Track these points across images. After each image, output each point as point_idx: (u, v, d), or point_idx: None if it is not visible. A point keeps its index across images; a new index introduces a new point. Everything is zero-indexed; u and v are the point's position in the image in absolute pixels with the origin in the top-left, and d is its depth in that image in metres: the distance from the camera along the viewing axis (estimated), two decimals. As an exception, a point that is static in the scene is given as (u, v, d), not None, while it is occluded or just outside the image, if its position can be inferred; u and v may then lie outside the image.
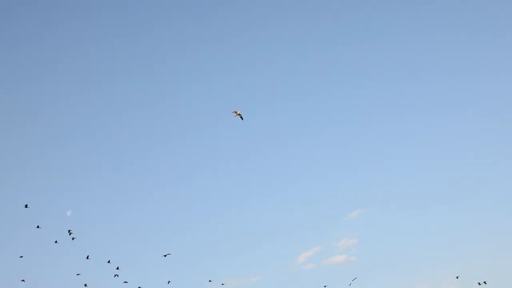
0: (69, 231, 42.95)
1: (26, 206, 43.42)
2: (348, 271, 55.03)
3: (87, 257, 43.42)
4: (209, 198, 62.67)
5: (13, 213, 59.58)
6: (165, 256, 43.25)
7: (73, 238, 43.18)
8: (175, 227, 59.37)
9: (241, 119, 35.86)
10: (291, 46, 76.38)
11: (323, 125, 70.84)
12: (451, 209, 58.41)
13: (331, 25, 76.68)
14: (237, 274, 54.66)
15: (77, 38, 76.09)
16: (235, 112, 35.82)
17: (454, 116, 68.90)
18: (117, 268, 42.91)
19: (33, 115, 71.87)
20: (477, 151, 64.02)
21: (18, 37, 75.39)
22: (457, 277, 45.96)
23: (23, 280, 45.42)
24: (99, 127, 71.59)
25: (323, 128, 70.33)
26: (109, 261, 43.48)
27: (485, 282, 43.79)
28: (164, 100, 75.23)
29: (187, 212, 61.42)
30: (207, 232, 58.38)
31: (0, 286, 51.28)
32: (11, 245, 56.23)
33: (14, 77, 73.78)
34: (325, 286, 46.81)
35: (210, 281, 45.96)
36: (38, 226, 43.98)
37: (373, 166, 64.07)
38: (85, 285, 43.53)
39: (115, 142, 70.52)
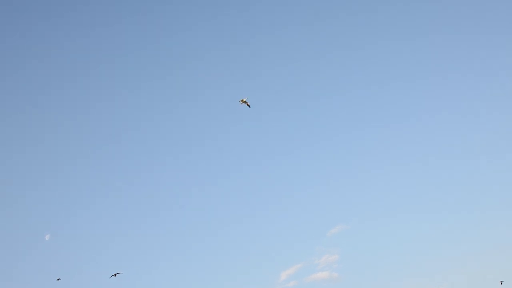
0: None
1: (58, 279, 41.86)
2: (331, 288, 55.19)
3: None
4: (185, 215, 62.10)
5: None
6: (115, 275, 39.23)
7: (58, 279, 41.25)
8: (148, 245, 58.98)
9: (248, 106, 35.02)
10: (291, 51, 76.32)
11: (301, 140, 70.36)
12: (433, 223, 58.51)
13: (336, 27, 76.44)
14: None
15: (85, 46, 76.08)
16: (241, 100, 35.02)
17: (440, 130, 68.50)
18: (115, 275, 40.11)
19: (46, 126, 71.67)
20: (460, 162, 63.75)
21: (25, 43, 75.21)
22: (501, 282, 44.84)
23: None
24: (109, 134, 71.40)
25: (301, 143, 69.82)
26: None
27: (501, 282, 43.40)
28: (165, 106, 75.17)
29: (165, 228, 60.92)
30: (184, 250, 57.84)
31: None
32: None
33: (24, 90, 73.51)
34: None
35: None
36: (58, 279, 42.42)
37: (353, 181, 63.88)
38: None
39: (120, 148, 70.25)
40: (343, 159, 66.77)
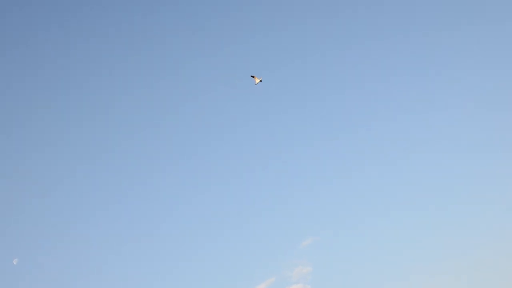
0: None
1: None
2: (306, 300, 55.61)
3: None
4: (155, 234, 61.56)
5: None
6: None
7: None
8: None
9: (260, 81, 35.49)
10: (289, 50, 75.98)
11: (272, 151, 69.32)
12: (408, 232, 58.14)
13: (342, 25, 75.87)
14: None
15: (89, 47, 75.81)
16: (256, 78, 35.36)
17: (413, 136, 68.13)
18: None
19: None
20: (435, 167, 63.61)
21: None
22: None
23: None
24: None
25: (272, 154, 68.85)
26: None
27: None
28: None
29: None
30: (160, 267, 57.27)
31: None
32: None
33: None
34: None
35: None
36: None
37: (324, 192, 63.14)
38: None
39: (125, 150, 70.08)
40: (314, 170, 66.01)
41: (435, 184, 61.84)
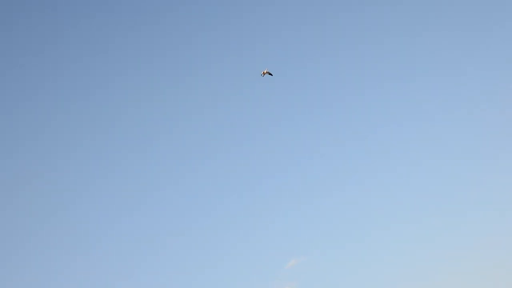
0: None
1: None
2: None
3: None
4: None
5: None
6: None
7: None
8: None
9: (270, 75, 35.13)
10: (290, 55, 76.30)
11: (253, 165, 69.68)
12: (391, 253, 58.22)
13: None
14: None
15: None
16: (263, 72, 35.19)
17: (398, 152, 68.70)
18: None
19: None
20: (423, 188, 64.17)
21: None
22: None
23: None
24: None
25: (261, 170, 69.04)
26: None
27: None
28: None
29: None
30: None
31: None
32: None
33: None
34: None
35: None
36: None
37: (309, 211, 63.69)
38: None
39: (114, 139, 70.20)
40: (298, 190, 66.27)
41: (422, 202, 62.28)
